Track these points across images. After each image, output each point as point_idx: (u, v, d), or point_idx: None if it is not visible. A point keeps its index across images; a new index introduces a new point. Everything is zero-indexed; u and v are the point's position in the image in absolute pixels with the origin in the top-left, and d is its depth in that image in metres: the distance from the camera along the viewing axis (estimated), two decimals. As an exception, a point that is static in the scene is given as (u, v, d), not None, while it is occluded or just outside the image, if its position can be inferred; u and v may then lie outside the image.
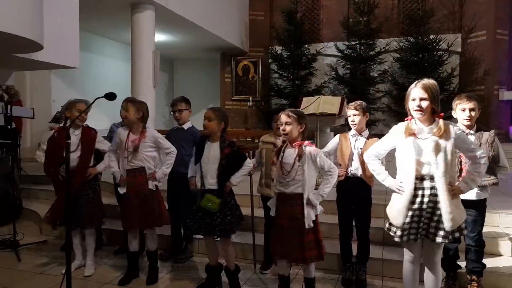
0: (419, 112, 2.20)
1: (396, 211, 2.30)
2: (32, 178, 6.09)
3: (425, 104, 2.19)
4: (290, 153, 2.63)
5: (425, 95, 2.18)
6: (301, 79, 11.18)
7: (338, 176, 3.05)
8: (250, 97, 11.90)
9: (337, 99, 5.06)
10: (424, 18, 9.99)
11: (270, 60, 11.72)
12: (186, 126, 3.71)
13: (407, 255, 2.43)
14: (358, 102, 3.07)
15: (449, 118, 2.50)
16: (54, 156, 3.31)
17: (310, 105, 5.02)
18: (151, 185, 3.19)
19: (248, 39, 12.01)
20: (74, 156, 3.25)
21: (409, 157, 2.24)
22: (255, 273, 3.42)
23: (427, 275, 2.40)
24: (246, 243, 3.64)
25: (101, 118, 9.49)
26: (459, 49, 10.19)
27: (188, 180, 3.17)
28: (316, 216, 2.65)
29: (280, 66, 11.19)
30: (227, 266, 3.08)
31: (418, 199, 2.24)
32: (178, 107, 3.67)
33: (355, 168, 3.02)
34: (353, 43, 10.56)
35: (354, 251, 3.25)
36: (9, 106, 6.70)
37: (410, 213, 2.25)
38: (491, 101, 9.76)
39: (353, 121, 3.04)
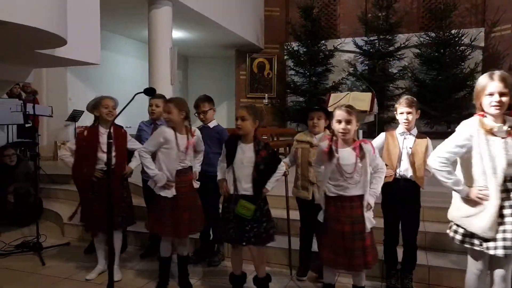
0: (497, 108, 2.00)
1: (486, 222, 2.04)
2: (51, 178, 5.98)
3: (505, 99, 1.98)
4: (347, 153, 2.45)
5: (505, 90, 1.98)
6: (317, 75, 10.96)
7: (385, 177, 2.86)
8: (266, 95, 11.74)
9: (367, 95, 4.87)
10: (445, 12, 9.70)
11: (286, 57, 11.51)
12: (211, 124, 3.57)
13: (475, 267, 2.20)
14: (410, 97, 2.84)
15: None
16: (87, 157, 3.16)
17: (339, 101, 4.82)
18: (195, 184, 3.13)
19: (264, 35, 11.81)
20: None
21: (494, 158, 2.02)
22: (291, 279, 3.24)
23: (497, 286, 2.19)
24: (281, 247, 3.44)
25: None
26: (482, 44, 9.86)
27: (217, 182, 2.91)
28: None
29: (297, 62, 10.97)
30: (257, 275, 2.90)
31: (506, 204, 2.04)
32: (202, 108, 3.53)
33: (405, 169, 2.80)
34: (372, 38, 10.30)
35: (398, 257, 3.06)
36: (27, 104, 6.61)
37: (501, 221, 2.04)
38: (516, 97, 9.45)
39: (406, 120, 2.80)
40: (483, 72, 9.67)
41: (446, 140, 2.23)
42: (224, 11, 9.31)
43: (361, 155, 2.44)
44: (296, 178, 3.17)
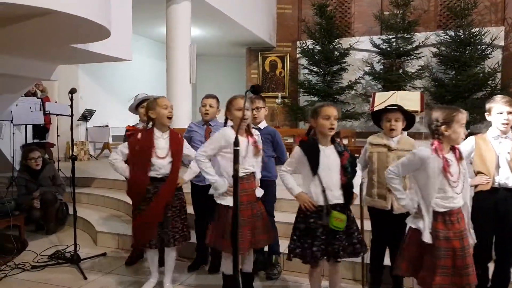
0: None
1: None
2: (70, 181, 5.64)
3: None
4: (451, 159, 2.21)
5: None
6: (331, 74, 10.70)
7: (480, 185, 2.60)
8: (279, 94, 11.49)
9: (416, 95, 4.64)
10: (464, 10, 9.49)
11: (298, 55, 11.25)
12: (262, 125, 3.31)
13: None
14: (507, 96, 2.59)
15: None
16: (139, 162, 2.86)
17: (386, 101, 4.58)
18: (258, 192, 2.77)
19: (276, 33, 11.54)
20: (165, 163, 2.85)
21: None
22: (364, 295, 2.98)
23: None
24: (350, 260, 3.16)
25: (125, 117, 9.09)
26: (502, 43, 9.69)
27: (296, 197, 2.55)
28: None
29: (311, 61, 10.70)
30: None
31: None
32: (257, 104, 3.25)
33: (506, 177, 2.53)
34: (389, 37, 10.07)
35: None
36: (45, 103, 6.27)
37: None
38: (537, 97, 9.28)
39: (507, 120, 2.54)
40: (502, 71, 9.57)
41: None
42: (238, 8, 9.05)
43: (460, 159, 2.24)
44: (371, 186, 2.89)
